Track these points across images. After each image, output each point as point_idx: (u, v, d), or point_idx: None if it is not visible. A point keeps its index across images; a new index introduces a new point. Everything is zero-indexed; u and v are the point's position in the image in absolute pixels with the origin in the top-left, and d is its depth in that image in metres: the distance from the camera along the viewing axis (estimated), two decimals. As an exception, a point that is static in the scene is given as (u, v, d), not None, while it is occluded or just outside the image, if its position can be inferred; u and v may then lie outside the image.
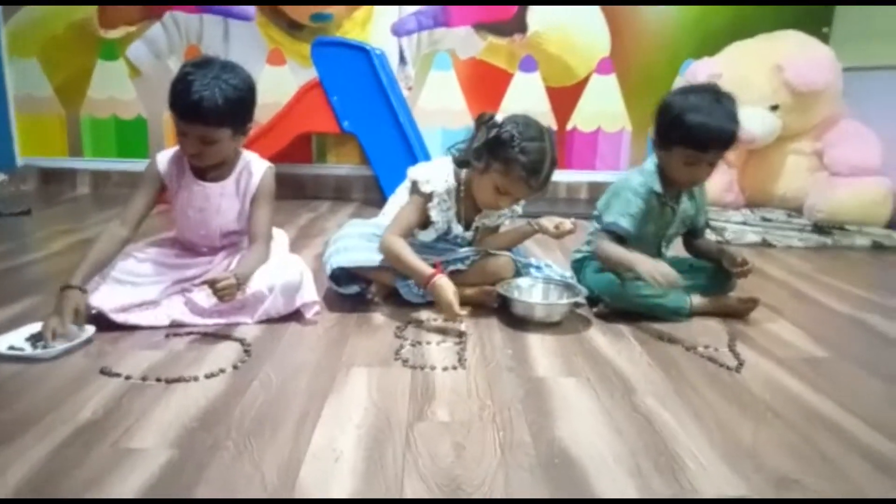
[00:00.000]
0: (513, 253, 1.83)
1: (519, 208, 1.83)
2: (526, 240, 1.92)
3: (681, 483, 0.97)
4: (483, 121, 1.65)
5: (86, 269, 1.46)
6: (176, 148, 1.61)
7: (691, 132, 1.57)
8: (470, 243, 1.82)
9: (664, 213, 1.73)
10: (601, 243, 1.68)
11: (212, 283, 1.46)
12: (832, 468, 1.02)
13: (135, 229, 1.57)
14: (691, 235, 1.86)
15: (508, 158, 1.58)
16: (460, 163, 1.70)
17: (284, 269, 1.58)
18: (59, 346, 1.36)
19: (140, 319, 1.50)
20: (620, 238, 1.67)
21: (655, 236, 1.76)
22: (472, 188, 1.72)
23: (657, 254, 1.76)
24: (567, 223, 1.77)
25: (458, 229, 1.78)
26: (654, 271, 1.52)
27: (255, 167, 1.63)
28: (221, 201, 1.61)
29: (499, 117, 1.64)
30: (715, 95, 1.60)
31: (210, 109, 1.43)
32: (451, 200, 1.74)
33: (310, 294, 1.60)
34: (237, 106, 1.49)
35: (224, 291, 1.46)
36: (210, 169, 1.60)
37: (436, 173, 1.72)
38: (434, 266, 1.62)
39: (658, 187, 1.69)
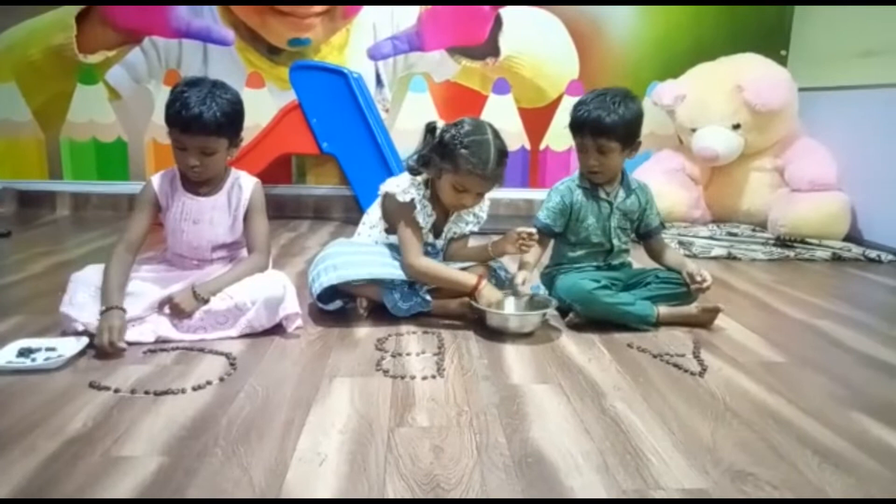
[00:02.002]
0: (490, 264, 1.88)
1: (484, 214, 1.90)
2: (489, 260, 1.90)
3: (644, 477, 1.04)
4: (429, 129, 1.74)
5: (116, 290, 1.53)
6: (167, 169, 1.69)
7: (573, 120, 1.76)
8: (440, 252, 1.88)
9: (600, 205, 1.84)
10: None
11: (170, 299, 1.57)
12: (784, 462, 1.10)
13: (137, 252, 1.64)
14: (648, 237, 1.93)
15: (454, 156, 1.67)
16: (412, 170, 1.78)
17: (268, 284, 1.64)
18: (62, 356, 1.41)
19: (126, 336, 1.52)
20: (548, 233, 1.86)
21: (600, 228, 1.85)
22: (436, 195, 1.79)
23: (609, 247, 1.87)
24: (526, 229, 1.76)
25: (429, 237, 1.84)
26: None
27: (245, 182, 1.72)
28: (214, 214, 1.68)
29: (441, 123, 1.73)
30: (603, 92, 1.75)
31: (210, 120, 1.53)
32: (429, 206, 1.79)
33: (292, 306, 1.65)
34: (233, 117, 1.59)
35: (179, 307, 1.56)
36: (202, 184, 1.67)
37: (407, 182, 1.79)
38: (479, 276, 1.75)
39: (583, 182, 1.84)
